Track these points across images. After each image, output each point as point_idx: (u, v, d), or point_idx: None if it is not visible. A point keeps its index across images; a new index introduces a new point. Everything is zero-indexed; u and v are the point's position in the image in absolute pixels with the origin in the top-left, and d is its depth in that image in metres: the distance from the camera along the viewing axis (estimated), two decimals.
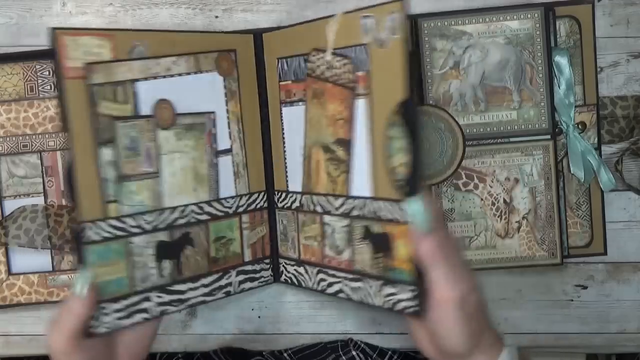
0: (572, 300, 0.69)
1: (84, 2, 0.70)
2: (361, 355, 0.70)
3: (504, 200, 0.66)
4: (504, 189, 0.66)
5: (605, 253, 0.68)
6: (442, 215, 0.62)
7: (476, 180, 0.66)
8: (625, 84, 0.68)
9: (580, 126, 0.67)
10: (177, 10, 0.69)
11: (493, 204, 0.66)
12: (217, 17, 0.69)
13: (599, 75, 0.67)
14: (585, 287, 0.69)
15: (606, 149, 0.68)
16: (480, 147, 0.66)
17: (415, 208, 0.49)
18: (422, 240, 0.49)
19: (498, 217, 0.66)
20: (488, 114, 0.66)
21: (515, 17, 0.64)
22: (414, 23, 0.65)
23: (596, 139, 0.67)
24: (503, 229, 0.66)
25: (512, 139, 0.66)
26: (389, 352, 0.71)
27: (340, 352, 0.71)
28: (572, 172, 0.67)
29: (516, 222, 0.66)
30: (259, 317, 0.71)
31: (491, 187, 0.66)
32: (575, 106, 0.66)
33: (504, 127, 0.66)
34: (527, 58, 0.65)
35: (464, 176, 0.66)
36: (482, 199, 0.66)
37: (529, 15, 0.64)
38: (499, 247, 0.66)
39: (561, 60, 0.65)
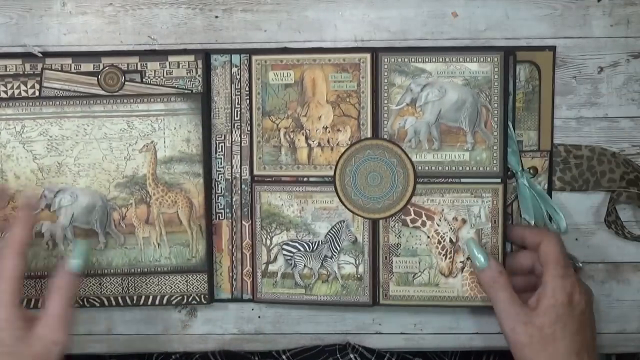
0: None
1: (84, 2, 0.69)
2: (359, 358, 0.71)
3: (450, 240, 0.67)
4: (450, 228, 0.66)
5: None
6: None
7: (424, 218, 0.67)
8: (625, 84, 0.68)
9: (531, 171, 0.67)
10: (177, 10, 0.69)
11: (439, 242, 0.67)
12: (217, 17, 0.69)
13: (598, 75, 0.67)
14: None
15: (559, 196, 0.68)
16: (430, 185, 0.66)
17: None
18: (479, 274, 0.64)
19: (443, 255, 0.67)
20: (441, 153, 0.66)
21: (475, 59, 0.65)
22: (374, 56, 0.66)
23: (547, 185, 0.67)
24: (447, 268, 0.67)
25: (462, 180, 0.66)
26: (387, 355, 0.72)
27: (338, 355, 0.71)
28: (522, 216, 0.67)
29: (460, 262, 0.67)
30: (259, 317, 0.71)
31: (438, 225, 0.67)
32: (529, 151, 0.67)
33: (456, 167, 0.66)
34: (484, 101, 0.65)
35: (412, 212, 0.67)
36: (428, 237, 0.67)
37: (489, 59, 0.64)
38: (442, 286, 0.67)
39: None
